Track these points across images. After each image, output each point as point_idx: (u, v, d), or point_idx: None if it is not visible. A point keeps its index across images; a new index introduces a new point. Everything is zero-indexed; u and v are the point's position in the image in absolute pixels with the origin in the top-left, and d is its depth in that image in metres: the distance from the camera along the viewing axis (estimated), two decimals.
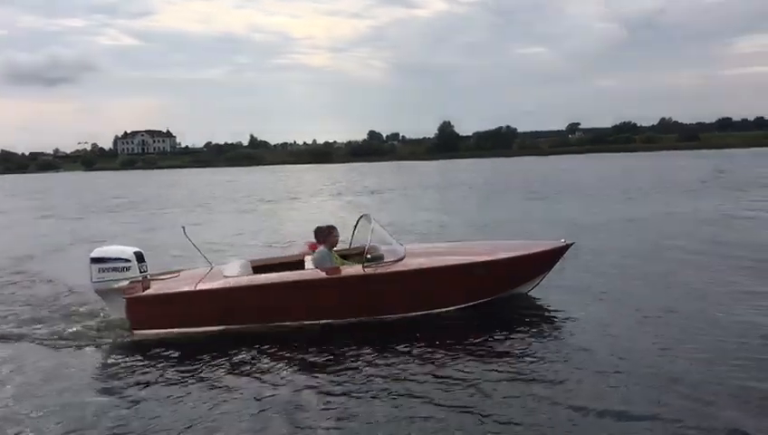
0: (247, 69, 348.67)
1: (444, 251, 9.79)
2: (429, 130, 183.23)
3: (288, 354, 7.55)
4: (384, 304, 8.71)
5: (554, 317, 8.83)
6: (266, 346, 7.81)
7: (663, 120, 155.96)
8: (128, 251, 8.74)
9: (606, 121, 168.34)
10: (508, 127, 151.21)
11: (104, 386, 6.78)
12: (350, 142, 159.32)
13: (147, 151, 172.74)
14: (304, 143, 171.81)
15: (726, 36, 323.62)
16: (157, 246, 15.26)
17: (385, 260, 8.78)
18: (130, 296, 8.42)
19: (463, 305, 9.04)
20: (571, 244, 9.55)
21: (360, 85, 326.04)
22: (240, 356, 7.53)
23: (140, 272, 8.68)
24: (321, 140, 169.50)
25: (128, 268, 8.61)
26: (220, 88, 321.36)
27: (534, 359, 7.07)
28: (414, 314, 8.76)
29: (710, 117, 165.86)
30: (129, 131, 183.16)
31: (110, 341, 8.26)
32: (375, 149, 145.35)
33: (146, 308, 8.47)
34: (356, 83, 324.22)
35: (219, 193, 43.56)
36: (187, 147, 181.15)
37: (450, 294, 8.96)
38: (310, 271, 8.86)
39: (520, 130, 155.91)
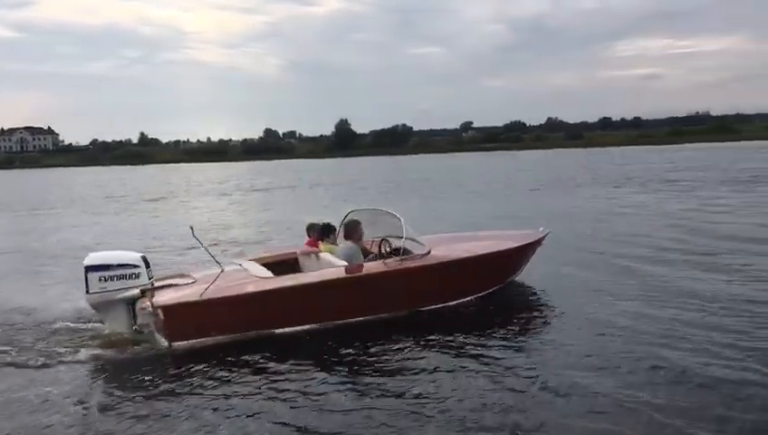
0: (136, 63, 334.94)
1: (451, 241, 9.83)
2: (327, 128, 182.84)
3: (330, 354, 7.36)
4: (420, 297, 8.75)
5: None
6: (309, 347, 7.61)
7: (550, 119, 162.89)
8: (134, 256, 7.94)
9: (497, 121, 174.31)
10: (404, 125, 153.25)
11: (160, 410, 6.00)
12: (245, 140, 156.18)
13: (26, 150, 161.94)
14: (198, 141, 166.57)
15: (607, 40, 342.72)
16: (36, 251, 14.36)
17: (415, 253, 8.74)
18: (168, 305, 7.53)
19: (484, 293, 9.43)
20: (549, 232, 10.46)
21: (256, 82, 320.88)
22: (288, 361, 7.15)
23: (149, 278, 7.91)
24: (215, 138, 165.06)
25: (137, 275, 7.78)
26: (107, 83, 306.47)
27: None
28: (444, 304, 8.92)
29: (593, 117, 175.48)
30: (5, 128, 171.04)
31: (134, 358, 7.38)
32: (272, 147, 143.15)
33: (187, 317, 7.58)
34: (251, 80, 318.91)
35: (102, 192, 41.50)
36: (70, 144, 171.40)
37: (476, 283, 9.31)
38: (353, 267, 8.52)
39: (415, 128, 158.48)
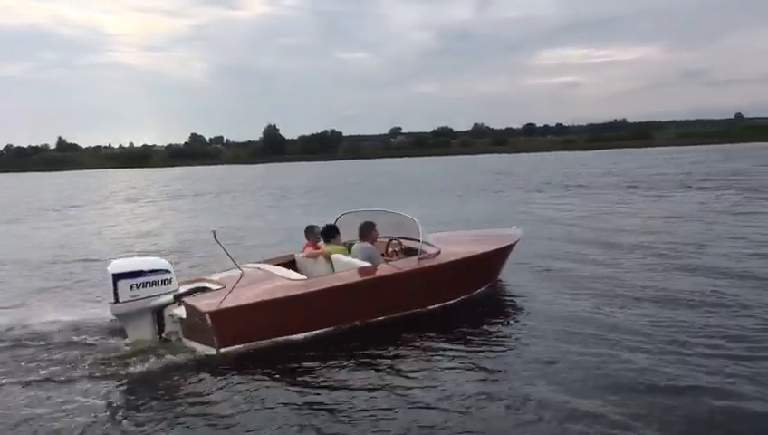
0: (54, 66, 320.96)
1: (446, 241, 9.85)
2: (255, 133, 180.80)
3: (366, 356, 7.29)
4: (433, 295, 8.96)
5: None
6: (347, 347, 7.52)
7: (476, 125, 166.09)
8: (163, 261, 7.72)
9: (426, 126, 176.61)
10: (333, 131, 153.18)
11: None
12: (170, 145, 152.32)
13: None
14: (120, 146, 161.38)
15: (530, 48, 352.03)
16: None
17: (429, 252, 8.98)
18: (216, 310, 7.25)
19: (482, 289, 9.78)
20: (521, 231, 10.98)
21: (181, 86, 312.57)
22: (335, 360, 7.13)
23: (177, 284, 7.71)
24: (138, 143, 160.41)
25: (169, 281, 7.55)
26: (22, 86, 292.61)
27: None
28: (451, 302, 9.15)
29: (518, 123, 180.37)
30: None
31: (180, 366, 7.06)
32: (198, 152, 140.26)
33: (236, 321, 7.35)
34: (176, 84, 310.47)
35: (13, 201, 39.68)
36: None
37: (477, 281, 9.71)
38: (383, 267, 8.66)
39: (345, 133, 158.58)
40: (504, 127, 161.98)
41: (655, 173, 39.53)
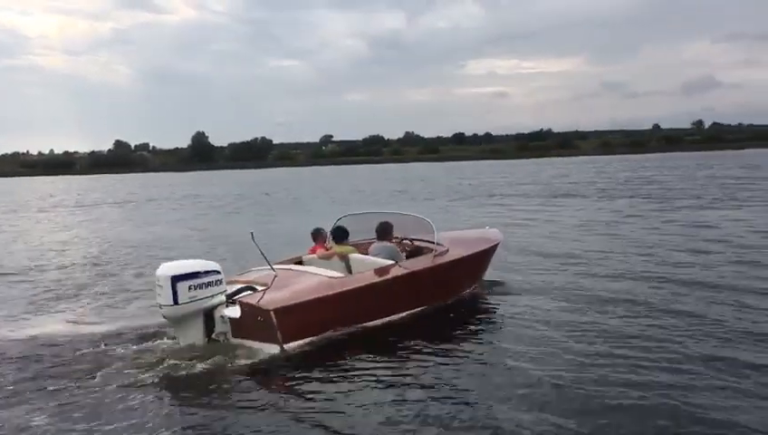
0: None
1: (450, 240, 10.04)
2: (182, 140, 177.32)
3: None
4: (444, 290, 9.41)
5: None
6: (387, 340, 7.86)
7: (407, 133, 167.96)
8: (213, 263, 7.73)
9: (357, 134, 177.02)
10: (264, 138, 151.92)
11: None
12: (93, 152, 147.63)
13: None
14: (39, 153, 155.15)
15: (460, 58, 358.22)
16: None
17: (440, 250, 9.38)
18: (279, 307, 7.35)
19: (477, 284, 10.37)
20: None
21: (104, 92, 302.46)
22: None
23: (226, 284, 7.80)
24: (59, 150, 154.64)
25: (221, 281, 7.59)
26: None
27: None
28: (457, 296, 9.66)
29: (447, 131, 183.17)
30: None
31: (246, 365, 7.05)
32: (122, 159, 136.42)
33: (298, 317, 7.49)
34: (99, 89, 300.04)
35: None
36: None
37: (477, 275, 10.42)
38: (410, 262, 9.15)
39: (275, 141, 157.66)
40: (434, 136, 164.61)
41: (572, 181, 40.78)
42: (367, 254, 9.34)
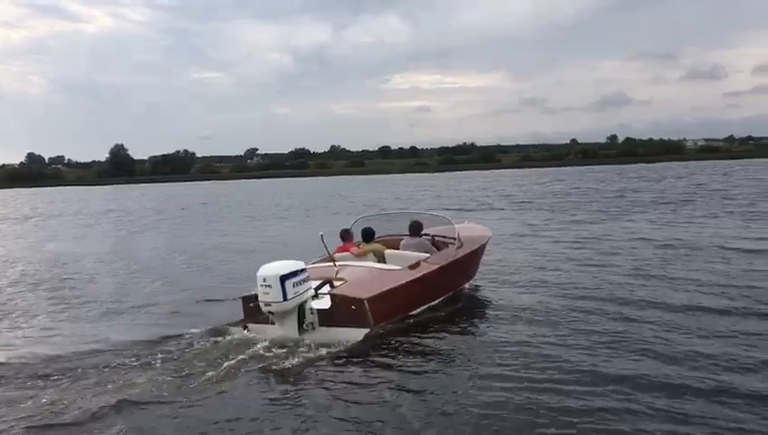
0: None
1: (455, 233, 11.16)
2: (100, 153, 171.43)
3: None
4: (464, 277, 11.21)
5: None
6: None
7: (333, 147, 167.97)
8: (301, 262, 8.59)
9: (283, 148, 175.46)
10: (186, 151, 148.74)
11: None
12: (4, 166, 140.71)
13: None
14: None
15: (384, 73, 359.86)
16: None
17: (459, 244, 10.67)
18: (371, 296, 8.62)
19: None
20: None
21: (16, 102, 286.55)
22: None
23: None
24: None
25: (309, 278, 8.56)
26: None
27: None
28: (468, 284, 11.38)
29: (373, 145, 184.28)
30: None
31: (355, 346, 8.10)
32: (36, 173, 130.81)
33: (382, 304, 8.76)
34: (10, 100, 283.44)
35: None
36: None
37: (478, 266, 11.70)
38: (440, 254, 10.44)
39: (199, 154, 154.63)
40: (360, 149, 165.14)
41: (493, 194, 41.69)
42: (398, 249, 10.74)
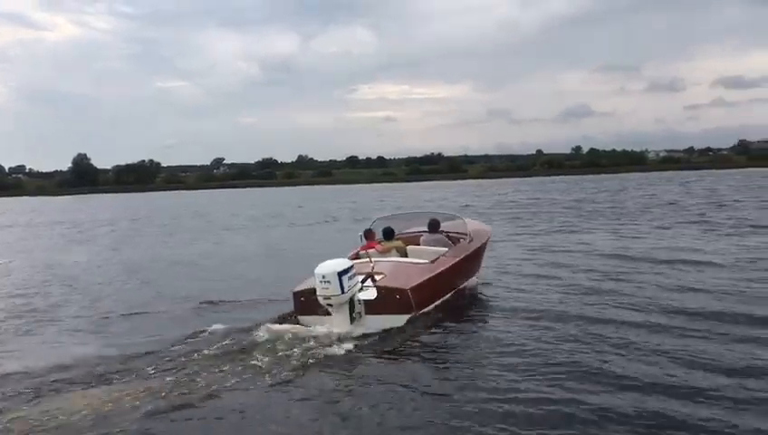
0: None
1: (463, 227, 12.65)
2: (63, 162, 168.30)
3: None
4: (476, 268, 12.48)
5: None
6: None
7: (301, 156, 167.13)
8: (348, 260, 9.68)
9: (250, 157, 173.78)
10: (151, 161, 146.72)
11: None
12: None
13: None
14: None
15: (351, 83, 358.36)
16: None
17: (470, 238, 12.02)
18: (414, 286, 9.77)
19: None
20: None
21: None
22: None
23: None
24: None
25: (356, 273, 9.52)
26: None
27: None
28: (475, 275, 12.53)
29: (341, 155, 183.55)
30: None
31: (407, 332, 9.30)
32: None
33: (422, 292, 9.93)
34: None
35: None
36: None
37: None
38: (457, 248, 11.68)
39: (164, 164, 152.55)
40: (328, 159, 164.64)
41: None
42: (418, 244, 12.00)
